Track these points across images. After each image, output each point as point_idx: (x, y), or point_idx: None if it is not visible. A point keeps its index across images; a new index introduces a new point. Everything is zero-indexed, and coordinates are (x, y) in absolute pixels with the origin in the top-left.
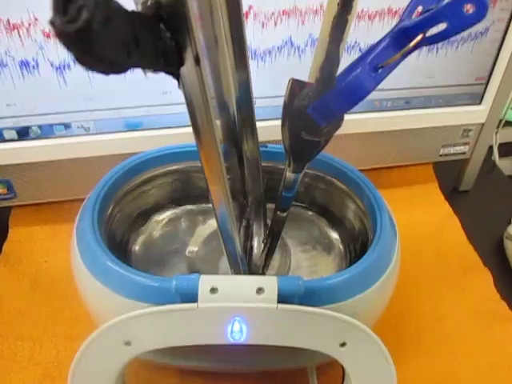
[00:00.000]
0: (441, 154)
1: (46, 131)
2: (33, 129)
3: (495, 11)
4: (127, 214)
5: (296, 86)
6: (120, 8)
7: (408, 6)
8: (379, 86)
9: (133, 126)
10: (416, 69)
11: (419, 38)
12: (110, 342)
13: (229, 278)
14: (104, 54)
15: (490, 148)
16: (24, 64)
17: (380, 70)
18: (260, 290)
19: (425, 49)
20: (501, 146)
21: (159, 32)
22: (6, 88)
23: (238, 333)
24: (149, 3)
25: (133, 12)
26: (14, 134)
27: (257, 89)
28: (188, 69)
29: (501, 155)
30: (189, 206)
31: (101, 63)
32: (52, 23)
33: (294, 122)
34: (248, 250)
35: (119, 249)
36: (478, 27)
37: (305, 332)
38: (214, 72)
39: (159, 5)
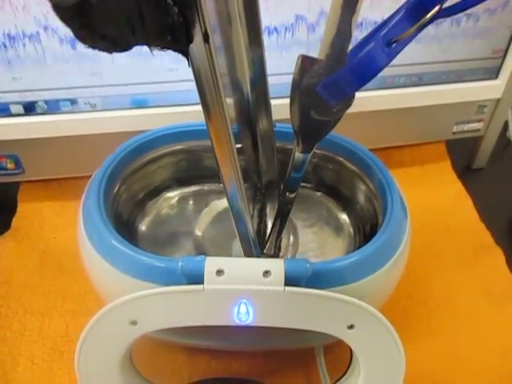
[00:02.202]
0: (454, 131)
1: (53, 106)
2: (39, 104)
3: None
4: (134, 193)
5: (306, 62)
6: None
7: None
8: (392, 62)
9: (139, 103)
10: (430, 42)
11: (436, 9)
12: (116, 321)
13: (235, 260)
14: (105, 31)
15: (505, 124)
16: (29, 36)
17: (394, 45)
18: (267, 273)
19: (440, 21)
20: None
21: (166, 7)
22: (12, 61)
23: (244, 315)
24: None
25: None
26: (20, 109)
27: (270, 65)
28: (197, 46)
29: None
30: (198, 186)
31: (102, 40)
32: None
33: (303, 101)
34: (263, 232)
35: (126, 228)
36: None
37: (312, 314)
38: (227, 49)
39: None
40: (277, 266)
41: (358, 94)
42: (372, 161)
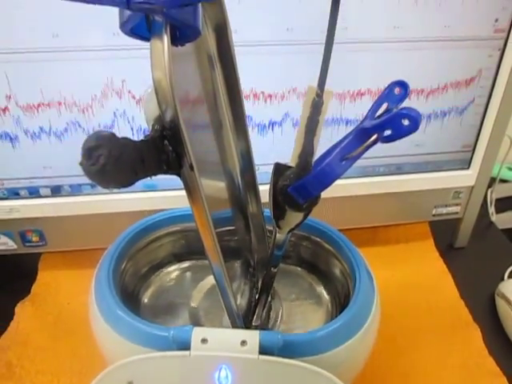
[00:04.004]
0: (434, 213)
1: (76, 189)
2: (64, 187)
3: (476, 88)
4: (139, 268)
5: (280, 168)
6: (129, 143)
7: (371, 107)
8: (373, 155)
9: (150, 187)
10: (406, 139)
11: (375, 137)
12: (115, 381)
13: (218, 330)
14: (116, 181)
15: (485, 206)
16: (59, 134)
17: (345, 161)
18: (244, 343)
19: None
20: (497, 201)
21: (163, 147)
22: (44, 153)
23: (224, 379)
24: (156, 127)
25: (141, 141)
26: (48, 192)
27: (260, 156)
28: (186, 172)
29: (497, 210)
30: (194, 261)
31: (113, 184)
32: (81, 164)
33: (278, 198)
34: (254, 304)
35: (131, 299)
36: (462, 102)
37: (283, 381)
38: (219, 145)
39: (164, 128)
40: (252, 337)
41: (344, 181)
42: (343, 241)
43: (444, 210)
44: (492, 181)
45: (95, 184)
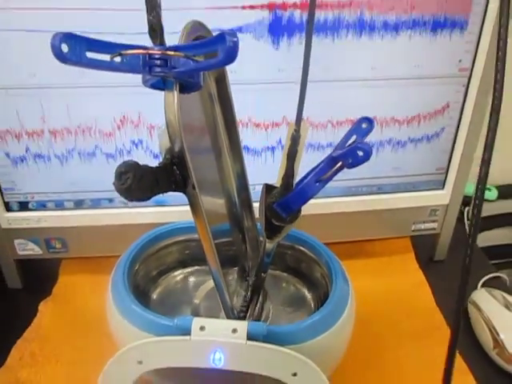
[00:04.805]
0: (413, 229)
1: (96, 203)
2: (86, 201)
3: (446, 119)
4: (149, 271)
5: (268, 188)
6: (147, 169)
7: (342, 138)
8: (356, 176)
9: (160, 202)
10: (385, 162)
11: (339, 164)
12: (127, 360)
13: (213, 320)
14: (138, 196)
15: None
16: (84, 157)
17: (319, 183)
18: (235, 330)
19: (390, 147)
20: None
21: (173, 172)
22: (71, 173)
23: (218, 360)
24: (167, 156)
25: (156, 167)
26: (71, 204)
27: (254, 177)
28: (190, 191)
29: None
30: (197, 267)
31: (136, 199)
32: (114, 184)
33: (266, 213)
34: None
35: (141, 296)
36: (435, 131)
37: (266, 363)
38: (219, 167)
39: (173, 157)
40: (242, 326)
41: (331, 200)
42: (322, 248)
43: (422, 226)
44: (470, 199)
45: (113, 199)
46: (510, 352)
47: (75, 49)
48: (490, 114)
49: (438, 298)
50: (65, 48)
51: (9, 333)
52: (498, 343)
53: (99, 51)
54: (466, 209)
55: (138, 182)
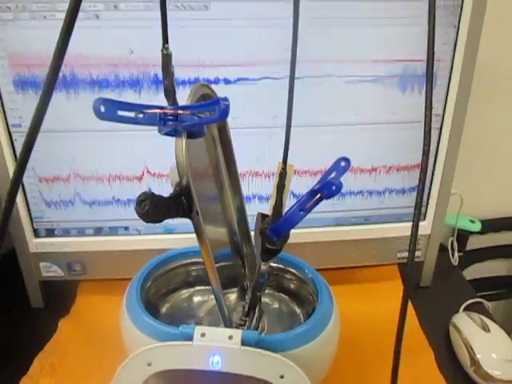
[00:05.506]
0: (398, 257)
1: (113, 231)
2: (104, 229)
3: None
4: (159, 289)
5: (261, 216)
6: (161, 198)
7: (324, 174)
8: (344, 208)
9: (170, 230)
10: (372, 197)
11: (318, 196)
12: (139, 363)
13: (213, 328)
14: (153, 219)
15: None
16: (107, 202)
17: (303, 212)
18: (230, 337)
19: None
20: (467, 253)
21: (181, 201)
22: (93, 210)
23: (216, 363)
24: (177, 189)
25: (168, 197)
26: (91, 232)
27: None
28: (194, 216)
29: (466, 263)
30: (202, 287)
31: (152, 221)
32: (135, 209)
33: (260, 237)
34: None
35: (152, 310)
36: (413, 173)
37: (257, 366)
38: (222, 202)
39: (182, 189)
40: (237, 333)
41: (322, 229)
42: (308, 269)
43: (405, 255)
44: (453, 231)
45: (128, 227)
46: (485, 370)
47: (110, 109)
48: (422, 155)
49: (421, 320)
50: (102, 109)
51: (31, 346)
52: (474, 362)
53: (127, 110)
54: (450, 239)
55: (153, 208)
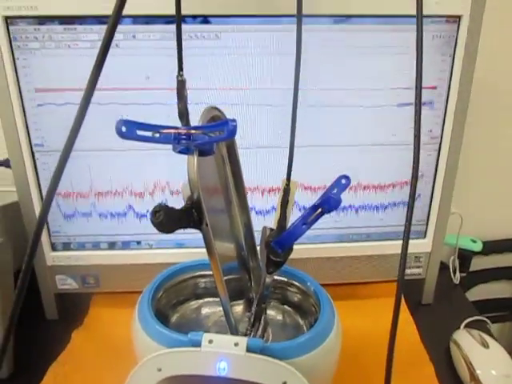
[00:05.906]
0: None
1: (126, 245)
2: (117, 243)
3: (422, 179)
4: (169, 300)
5: (267, 230)
6: (173, 210)
7: (325, 191)
8: (346, 225)
9: (180, 244)
10: (373, 215)
11: (319, 210)
12: (149, 368)
13: (220, 335)
14: (166, 229)
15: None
16: (119, 214)
17: (305, 225)
18: (236, 344)
19: (374, 207)
20: (470, 273)
21: (192, 213)
22: (107, 224)
23: (222, 369)
24: (188, 202)
25: (180, 209)
26: (105, 246)
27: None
28: (204, 228)
29: (469, 284)
30: (210, 298)
31: (165, 231)
32: (150, 219)
33: (265, 250)
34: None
35: (162, 319)
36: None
37: (261, 372)
38: (230, 219)
39: (192, 202)
40: (243, 341)
41: (325, 245)
42: (311, 282)
43: (408, 271)
44: (454, 250)
45: (140, 242)
46: None
47: (130, 129)
48: (411, 182)
49: (422, 336)
50: (123, 129)
51: (45, 357)
52: (474, 377)
53: (145, 130)
54: (451, 257)
55: (167, 219)
